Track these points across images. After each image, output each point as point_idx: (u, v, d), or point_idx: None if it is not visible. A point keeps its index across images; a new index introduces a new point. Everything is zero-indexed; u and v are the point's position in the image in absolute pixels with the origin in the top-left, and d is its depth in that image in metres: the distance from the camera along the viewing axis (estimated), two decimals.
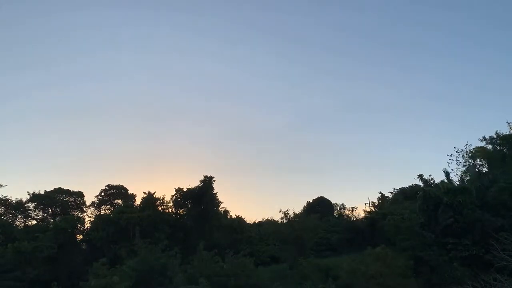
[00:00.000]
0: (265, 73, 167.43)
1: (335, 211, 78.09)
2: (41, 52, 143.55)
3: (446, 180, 58.33)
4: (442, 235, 41.37)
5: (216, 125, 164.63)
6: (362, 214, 67.18)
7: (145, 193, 54.87)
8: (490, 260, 25.25)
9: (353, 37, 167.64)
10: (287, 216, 54.38)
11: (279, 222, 61.76)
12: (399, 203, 58.03)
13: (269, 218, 73.14)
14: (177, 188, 55.22)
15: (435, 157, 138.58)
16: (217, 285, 27.04)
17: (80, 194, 65.94)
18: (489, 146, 61.55)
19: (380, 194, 71.16)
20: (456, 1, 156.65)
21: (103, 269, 26.44)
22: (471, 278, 25.38)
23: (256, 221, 73.74)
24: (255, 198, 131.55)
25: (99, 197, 65.62)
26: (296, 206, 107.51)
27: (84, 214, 64.29)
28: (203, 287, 24.41)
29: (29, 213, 62.12)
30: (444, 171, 60.33)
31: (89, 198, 67.47)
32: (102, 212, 62.91)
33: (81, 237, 54.03)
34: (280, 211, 55.05)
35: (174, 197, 55.13)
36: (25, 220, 61.78)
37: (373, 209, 65.22)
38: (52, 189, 63.78)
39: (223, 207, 58.50)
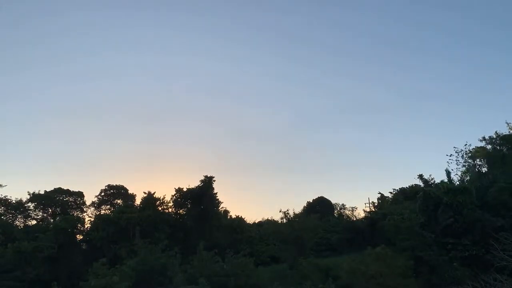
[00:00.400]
0: (266, 73, 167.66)
1: (335, 211, 78.07)
2: (41, 53, 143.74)
3: (447, 180, 58.32)
4: (442, 235, 41.37)
5: (216, 125, 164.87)
6: (362, 214, 67.23)
7: (145, 193, 54.92)
8: (490, 260, 25.29)
9: (354, 37, 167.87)
10: (287, 216, 54.39)
11: (279, 222, 61.78)
12: (399, 203, 57.98)
13: (269, 218, 73.23)
14: (177, 188, 55.27)
15: (435, 157, 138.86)
16: (217, 285, 27.04)
17: (80, 194, 65.93)
18: (489, 146, 61.59)
19: (380, 194, 71.18)
20: (456, 1, 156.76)
21: (103, 269, 26.47)
22: (471, 278, 25.40)
23: (256, 221, 73.82)
24: (255, 198, 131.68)
25: (99, 197, 65.61)
26: (296, 206, 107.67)
27: (84, 214, 64.32)
28: (203, 287, 24.41)
29: (29, 213, 62.11)
30: (446, 171, 60.34)
31: (89, 198, 67.57)
32: (102, 212, 62.88)
33: (81, 237, 54.01)
34: (280, 211, 55.11)
35: (174, 197, 55.12)
36: (25, 220, 61.79)
37: (373, 209, 65.21)
38: (52, 189, 63.79)
39: (223, 207, 58.58)
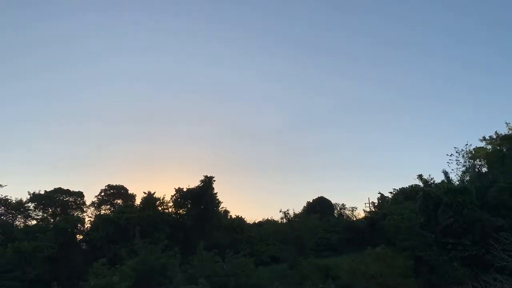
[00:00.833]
0: (265, 73, 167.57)
1: (335, 211, 78.12)
2: (41, 55, 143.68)
3: (446, 180, 58.34)
4: (442, 235, 41.36)
5: (216, 125, 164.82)
6: (362, 214, 67.29)
7: (145, 193, 54.91)
8: (490, 260, 25.32)
9: (353, 37, 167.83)
10: (287, 216, 54.38)
11: (279, 222, 61.77)
12: (399, 203, 57.98)
13: (269, 218, 73.28)
14: (177, 188, 55.23)
15: (435, 157, 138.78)
16: (217, 285, 27.03)
17: (80, 194, 65.95)
18: (489, 146, 61.60)
19: (380, 194, 71.22)
20: (457, 1, 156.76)
21: (103, 269, 26.48)
22: (471, 278, 25.42)
23: (256, 221, 73.85)
24: (255, 198, 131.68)
25: (99, 197, 65.61)
26: (296, 206, 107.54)
27: (84, 214, 64.35)
28: (203, 287, 24.40)
29: (29, 213, 62.14)
30: (443, 172, 60.37)
31: (89, 198, 67.55)
32: (102, 212, 62.89)
33: (81, 237, 54.03)
34: (280, 211, 55.08)
35: (174, 197, 55.10)
36: (25, 220, 61.81)
37: (373, 209, 65.24)
38: (52, 189, 63.81)
39: (223, 207, 58.55)
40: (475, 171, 60.83)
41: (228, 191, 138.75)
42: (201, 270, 28.82)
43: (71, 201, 65.04)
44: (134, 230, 46.68)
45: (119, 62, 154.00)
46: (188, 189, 54.52)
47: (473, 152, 62.99)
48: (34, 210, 62.51)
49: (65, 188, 65.03)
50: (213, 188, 54.38)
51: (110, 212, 58.97)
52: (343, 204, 79.03)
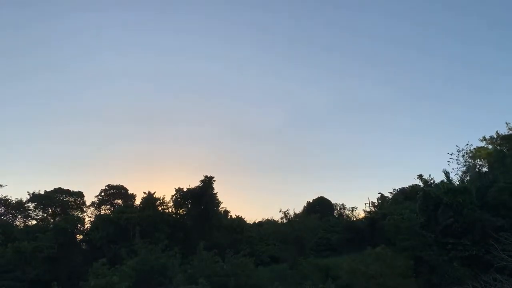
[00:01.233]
0: (265, 73, 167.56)
1: (335, 211, 78.12)
2: (41, 55, 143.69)
3: (446, 180, 58.32)
4: (442, 235, 41.36)
5: (216, 125, 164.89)
6: (362, 214, 67.27)
7: (145, 193, 54.91)
8: (490, 260, 25.31)
9: (354, 36, 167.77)
10: (287, 216, 54.41)
11: (279, 222, 61.79)
12: (399, 203, 58.00)
13: (269, 218, 73.29)
14: (177, 188, 55.22)
15: (435, 157, 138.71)
16: (217, 285, 27.02)
17: (80, 194, 66.00)
18: (489, 146, 61.58)
19: (380, 194, 71.24)
20: (456, 0, 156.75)
21: (103, 269, 26.46)
22: (471, 278, 25.41)
23: (256, 221, 73.84)
24: (255, 198, 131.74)
25: (99, 197, 65.65)
26: (296, 206, 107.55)
27: (84, 214, 64.44)
28: (203, 287, 24.39)
29: (29, 213, 62.19)
30: (444, 172, 60.33)
31: (89, 198, 67.66)
32: (102, 212, 62.92)
33: (81, 237, 54.02)
34: (280, 211, 55.12)
35: (174, 197, 55.10)
36: (25, 220, 61.87)
37: (373, 209, 65.23)
38: (52, 189, 63.89)
39: (223, 207, 58.52)
40: (475, 171, 60.81)
41: (228, 191, 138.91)
42: (201, 270, 28.80)
43: (71, 201, 65.08)
44: (134, 230, 46.66)
45: (119, 62, 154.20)
46: (188, 189, 54.51)
47: (474, 152, 62.99)
48: (34, 210, 62.59)
49: (65, 188, 65.15)
50: (213, 188, 54.39)
51: (110, 212, 58.98)
52: (343, 204, 79.15)
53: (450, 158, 64.81)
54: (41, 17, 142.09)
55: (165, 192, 64.72)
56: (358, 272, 32.86)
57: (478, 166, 62.42)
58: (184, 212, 55.40)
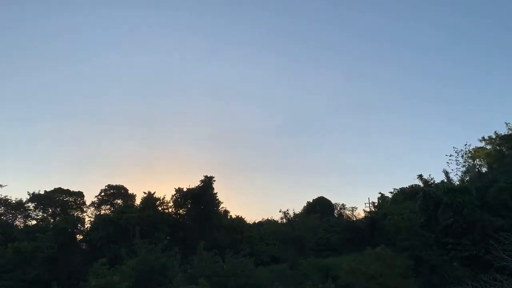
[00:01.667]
0: (265, 72, 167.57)
1: (335, 211, 78.13)
2: (41, 55, 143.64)
3: (446, 180, 58.36)
4: (442, 235, 41.38)
5: (216, 125, 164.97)
6: (362, 214, 67.27)
7: (145, 193, 54.89)
8: (490, 260, 25.27)
9: (354, 36, 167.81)
10: (287, 216, 54.42)
11: (279, 222, 61.81)
12: (399, 203, 58.01)
13: (269, 218, 73.29)
14: (177, 188, 55.21)
15: (435, 157, 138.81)
16: (217, 285, 27.01)
17: (80, 194, 65.96)
18: (489, 146, 61.60)
19: (380, 194, 71.27)
20: (458, 0, 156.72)
21: (103, 269, 26.44)
22: (471, 278, 25.37)
23: (256, 221, 73.85)
24: (255, 198, 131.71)
25: (99, 197, 65.60)
26: (296, 206, 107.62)
27: (84, 214, 64.34)
28: (203, 287, 24.39)
29: (29, 213, 62.18)
30: (444, 172, 60.41)
31: (89, 198, 67.62)
32: (102, 212, 62.88)
33: (81, 237, 54.00)
34: (280, 211, 55.17)
35: (174, 197, 55.08)
36: (25, 220, 61.85)
37: (373, 209, 65.23)
38: (52, 189, 63.86)
39: (223, 207, 58.48)
40: (475, 171, 60.85)
41: (228, 191, 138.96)
42: (201, 270, 28.78)
43: (71, 201, 65.05)
44: (134, 230, 46.63)
45: (119, 62, 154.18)
46: (188, 189, 54.49)
47: (473, 152, 63.04)
48: (34, 210, 62.57)
49: (65, 188, 65.11)
50: (213, 188, 54.36)
51: (110, 212, 58.95)
52: (343, 204, 79.19)
53: (449, 159, 64.93)
54: (41, 16, 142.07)
55: (165, 192, 64.77)
56: (358, 272, 32.87)
57: (477, 166, 62.47)
58: (184, 212, 55.37)
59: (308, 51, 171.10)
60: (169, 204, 55.11)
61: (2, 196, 59.74)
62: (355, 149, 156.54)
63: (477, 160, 63.05)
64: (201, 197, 53.08)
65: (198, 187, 54.08)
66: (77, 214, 62.59)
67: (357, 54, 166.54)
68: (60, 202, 63.85)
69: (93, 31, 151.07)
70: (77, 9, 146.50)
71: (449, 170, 62.86)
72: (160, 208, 54.08)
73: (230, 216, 61.63)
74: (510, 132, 59.52)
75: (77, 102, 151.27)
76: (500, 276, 18.24)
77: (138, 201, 59.08)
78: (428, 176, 64.70)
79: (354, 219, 69.90)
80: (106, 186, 66.24)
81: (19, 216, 61.41)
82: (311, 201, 79.05)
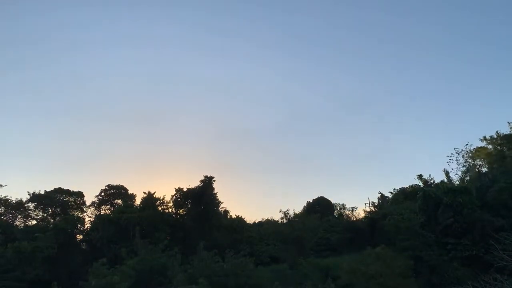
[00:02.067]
0: (265, 72, 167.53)
1: (335, 211, 78.09)
2: (40, 52, 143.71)
3: (446, 180, 58.38)
4: (442, 235, 41.41)
5: (216, 125, 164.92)
6: (362, 214, 67.25)
7: (145, 193, 54.90)
8: (490, 260, 25.29)
9: (354, 35, 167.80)
10: (287, 216, 54.51)
11: (279, 222, 61.85)
12: (399, 203, 58.01)
13: (269, 218, 73.26)
14: (177, 188, 55.25)
15: (435, 157, 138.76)
16: (217, 285, 27.02)
17: (80, 194, 65.95)
18: (490, 146, 61.64)
19: (380, 194, 71.26)
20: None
21: (103, 269, 26.43)
22: (471, 278, 25.39)
23: (256, 221, 73.79)
24: (255, 198, 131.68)
25: (99, 197, 65.58)
26: (296, 206, 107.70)
27: (84, 214, 64.32)
28: (203, 287, 24.40)
29: (29, 213, 62.16)
30: (444, 171, 60.44)
31: (89, 198, 67.58)
32: (102, 212, 62.87)
33: (81, 237, 54.02)
34: (280, 211, 55.28)
35: (174, 197, 55.11)
36: (25, 220, 61.83)
37: (373, 209, 65.21)
38: (52, 189, 63.84)
39: (223, 207, 58.52)
40: (475, 171, 60.88)
41: (228, 191, 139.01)
42: (201, 270, 28.78)
43: (71, 201, 65.03)
44: (134, 230, 46.59)
45: (119, 62, 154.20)
46: (188, 189, 54.52)
47: (474, 152, 63.09)
48: (34, 210, 62.55)
49: (65, 188, 65.07)
50: (213, 188, 54.40)
51: (110, 212, 58.93)
52: (343, 204, 79.12)
53: (450, 159, 65.00)
54: (42, 10, 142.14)
55: (165, 192, 64.91)
56: (358, 272, 32.90)
57: (478, 166, 62.51)
58: (184, 212, 55.40)
59: (310, 51, 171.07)
60: (169, 204, 55.17)
61: (2, 196, 59.82)
62: (355, 149, 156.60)
63: (478, 160, 63.12)
64: (201, 197, 53.11)
65: (198, 187, 54.10)
66: (77, 214, 62.58)
67: (357, 54, 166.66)
68: (60, 202, 63.83)
69: (94, 29, 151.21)
70: (78, 6, 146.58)
71: (449, 170, 63.07)
72: (160, 208, 54.09)
73: (230, 216, 61.62)
74: None
75: (77, 101, 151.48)
76: (500, 276, 18.26)
77: (138, 201, 59.13)
78: (428, 176, 64.82)
79: (354, 219, 69.88)
80: (106, 186, 66.28)
81: (19, 216, 61.40)
82: (311, 201, 79.07)
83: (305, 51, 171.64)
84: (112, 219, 48.95)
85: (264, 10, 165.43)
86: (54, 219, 59.60)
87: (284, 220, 56.22)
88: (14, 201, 60.75)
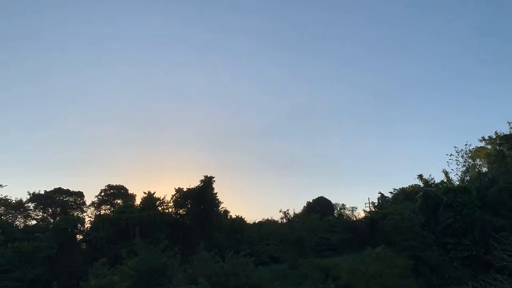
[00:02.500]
0: (265, 72, 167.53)
1: (335, 211, 78.08)
2: (41, 56, 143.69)
3: (445, 180, 58.42)
4: (442, 235, 41.45)
5: (216, 125, 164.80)
6: (362, 214, 67.28)
7: (145, 193, 54.90)
8: (490, 260, 25.33)
9: (354, 35, 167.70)
10: (287, 216, 54.47)
11: (279, 222, 61.81)
12: (399, 203, 58.02)
13: (269, 218, 73.22)
14: (177, 188, 55.26)
15: (435, 157, 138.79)
16: (217, 285, 27.05)
17: (80, 194, 66.01)
18: (489, 146, 61.68)
19: (380, 194, 71.29)
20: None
21: (103, 269, 26.47)
22: (471, 278, 25.43)
23: (256, 221, 73.75)
24: (255, 198, 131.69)
25: (99, 197, 65.63)
26: (296, 206, 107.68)
27: (84, 214, 64.39)
28: (203, 287, 24.43)
29: (29, 213, 62.20)
30: (443, 172, 60.48)
31: (89, 198, 67.62)
32: (102, 212, 62.91)
33: (81, 237, 54.01)
34: (280, 211, 55.23)
35: (174, 197, 55.13)
36: (25, 220, 61.88)
37: (373, 209, 65.24)
38: (52, 189, 63.88)
39: (223, 207, 58.51)
40: (475, 171, 60.93)
41: (228, 191, 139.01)
42: (201, 270, 28.82)
43: (71, 201, 65.08)
44: (134, 230, 46.69)
45: (118, 63, 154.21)
46: (188, 189, 54.54)
47: (473, 152, 63.14)
48: (34, 210, 62.59)
49: (65, 188, 65.12)
50: (213, 188, 54.41)
51: (110, 212, 58.97)
52: (343, 204, 79.06)
53: (450, 159, 65.06)
54: (42, 22, 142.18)
55: (165, 192, 64.83)
56: (358, 272, 32.91)
57: (477, 166, 62.57)
58: (184, 212, 55.41)
59: (310, 50, 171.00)
60: (169, 204, 55.18)
61: (2, 196, 59.84)
62: (355, 149, 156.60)
63: (477, 160, 63.17)
64: (201, 197, 53.11)
65: (198, 187, 54.11)
66: (77, 214, 62.64)
67: (357, 53, 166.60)
68: (60, 202, 63.87)
69: (93, 31, 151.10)
70: (78, 9, 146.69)
71: (449, 170, 63.23)
72: (160, 208, 54.10)
73: (230, 216, 61.59)
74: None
75: (76, 102, 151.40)
76: (500, 276, 18.27)
77: (138, 201, 59.12)
78: (428, 176, 64.86)
79: (354, 219, 69.89)
80: (106, 186, 66.33)
81: (19, 216, 61.44)
82: (311, 201, 79.05)
83: (306, 51, 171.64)
84: (112, 219, 48.99)
85: (260, 18, 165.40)
86: (54, 219, 59.60)
87: (284, 220, 56.20)
88: (14, 201, 60.81)
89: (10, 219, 60.05)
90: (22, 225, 60.36)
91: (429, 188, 50.36)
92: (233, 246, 41.85)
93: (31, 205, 62.31)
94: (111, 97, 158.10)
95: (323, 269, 38.89)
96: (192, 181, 75.46)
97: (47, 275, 39.21)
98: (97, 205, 65.38)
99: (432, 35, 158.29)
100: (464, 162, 64.36)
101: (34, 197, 62.09)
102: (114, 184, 66.86)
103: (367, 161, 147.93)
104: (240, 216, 61.02)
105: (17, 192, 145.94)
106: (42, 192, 62.92)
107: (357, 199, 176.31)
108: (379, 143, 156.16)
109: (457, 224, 40.87)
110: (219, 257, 31.36)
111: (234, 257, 31.49)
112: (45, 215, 62.94)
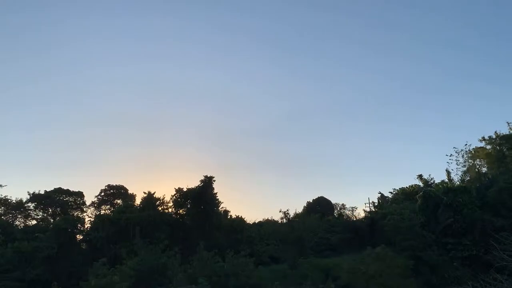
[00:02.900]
0: (265, 72, 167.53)
1: (335, 211, 78.07)
2: (41, 56, 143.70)
3: (447, 180, 58.41)
4: (442, 235, 41.44)
5: (216, 125, 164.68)
6: (362, 214, 67.26)
7: (145, 193, 54.90)
8: (490, 260, 25.31)
9: (354, 34, 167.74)
10: (287, 216, 54.44)
11: (279, 222, 61.78)
12: (399, 203, 58.00)
13: (269, 218, 73.20)
14: (177, 188, 55.23)
15: (435, 157, 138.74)
16: (217, 285, 27.07)
17: (80, 194, 65.97)
18: (489, 146, 61.67)
19: (380, 194, 71.27)
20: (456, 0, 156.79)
21: (103, 269, 26.50)
22: (471, 278, 25.42)
23: (256, 221, 73.72)
24: (255, 198, 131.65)
25: (99, 197, 65.61)
26: (296, 206, 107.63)
27: (84, 214, 64.35)
28: (203, 287, 24.45)
29: (29, 213, 62.19)
30: (446, 171, 60.44)
31: (89, 198, 67.60)
32: (102, 212, 62.88)
33: (81, 237, 53.99)
34: (280, 211, 55.18)
35: (174, 197, 55.11)
36: (25, 220, 61.87)
37: (373, 209, 65.22)
38: (52, 189, 63.86)
39: (223, 207, 58.49)
40: (475, 171, 60.92)
41: (228, 191, 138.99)
42: (201, 270, 28.84)
43: (71, 201, 65.05)
44: (134, 230, 46.69)
45: (119, 64, 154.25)
46: (188, 189, 54.52)
47: (473, 152, 63.12)
48: (34, 210, 62.57)
49: (65, 188, 65.09)
50: (213, 188, 54.38)
51: (110, 212, 58.95)
52: (343, 204, 79.09)
53: (450, 159, 65.04)
54: (42, 23, 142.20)
55: (165, 192, 64.85)
56: (358, 272, 32.92)
57: (478, 166, 62.55)
58: (184, 212, 55.38)
59: (310, 50, 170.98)
60: (169, 204, 55.17)
61: (2, 196, 59.88)
62: (355, 149, 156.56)
63: (477, 160, 63.13)
64: (201, 197, 53.08)
65: (198, 187, 54.08)
66: (77, 214, 62.62)
67: (357, 53, 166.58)
68: (60, 202, 63.84)
69: (94, 34, 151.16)
70: (79, 12, 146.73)
71: (449, 169, 63.03)
72: (160, 208, 54.10)
73: (230, 216, 61.55)
74: (511, 131, 59.54)
75: (77, 102, 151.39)
76: (500, 276, 18.26)
77: (138, 201, 59.11)
78: (428, 176, 64.82)
79: (354, 219, 69.88)
80: (106, 186, 66.32)
81: (19, 216, 61.44)
82: (311, 201, 79.04)
83: (306, 50, 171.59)
84: (112, 219, 48.97)
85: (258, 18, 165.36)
86: (54, 219, 59.60)
87: (284, 220, 56.15)
88: (14, 201, 60.81)
89: (10, 219, 60.05)
90: (22, 225, 60.36)
91: (429, 188, 50.38)
92: (233, 246, 41.85)
93: (31, 205, 62.32)
94: (111, 97, 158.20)
95: (323, 269, 38.89)
96: (192, 181, 75.38)
97: (47, 275, 39.23)
98: (97, 205, 65.36)
99: (432, 35, 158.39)
100: (464, 162, 64.37)
101: (34, 197, 62.07)
102: (114, 184, 66.91)
103: (367, 161, 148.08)
104: (240, 216, 61.00)
105: (17, 192, 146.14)
106: (42, 192, 62.97)
107: (357, 199, 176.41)
108: (379, 143, 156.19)
109: (457, 224, 40.87)
110: (219, 257, 31.37)
111: (234, 257, 31.51)
112: (45, 215, 62.93)
